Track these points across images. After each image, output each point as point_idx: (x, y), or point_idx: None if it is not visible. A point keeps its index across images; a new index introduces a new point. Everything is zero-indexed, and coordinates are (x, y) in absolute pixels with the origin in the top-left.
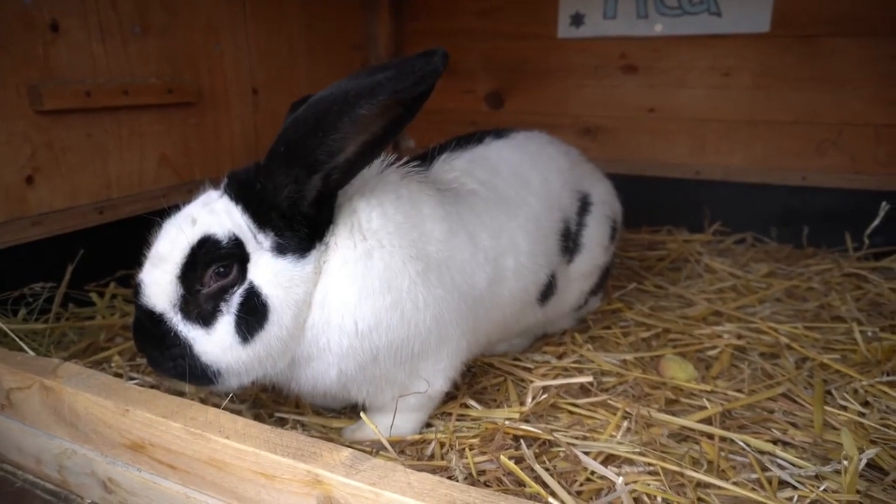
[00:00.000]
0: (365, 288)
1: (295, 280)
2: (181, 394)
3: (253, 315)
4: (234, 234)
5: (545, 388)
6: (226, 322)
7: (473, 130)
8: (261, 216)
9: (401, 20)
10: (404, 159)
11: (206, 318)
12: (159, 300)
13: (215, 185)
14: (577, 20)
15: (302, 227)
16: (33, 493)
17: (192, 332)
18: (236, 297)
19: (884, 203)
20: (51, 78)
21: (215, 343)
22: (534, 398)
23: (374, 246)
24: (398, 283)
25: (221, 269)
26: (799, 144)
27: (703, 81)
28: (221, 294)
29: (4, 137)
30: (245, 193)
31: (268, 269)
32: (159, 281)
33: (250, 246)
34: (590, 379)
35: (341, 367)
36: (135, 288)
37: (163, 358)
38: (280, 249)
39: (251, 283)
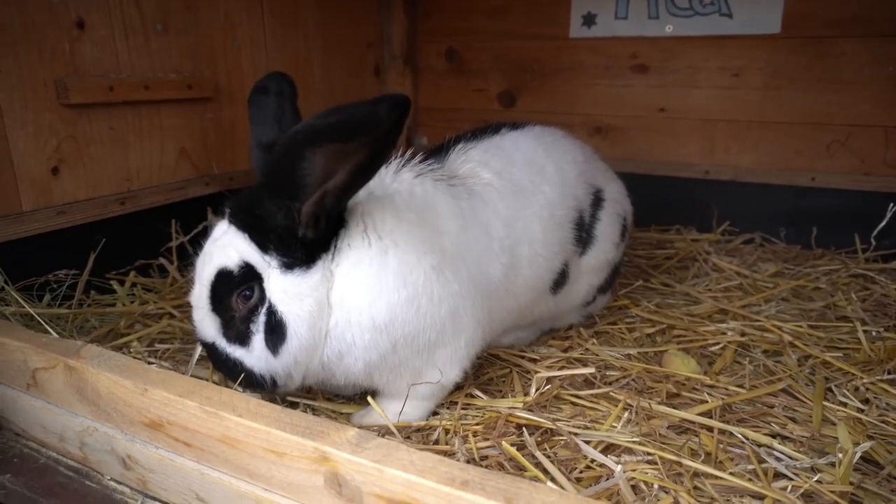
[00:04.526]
0: (378, 284)
1: (304, 292)
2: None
3: (274, 332)
4: (245, 262)
5: (549, 379)
6: (258, 339)
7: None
8: (263, 241)
9: (415, 19)
10: (419, 156)
11: (242, 338)
12: (208, 332)
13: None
14: (589, 20)
15: (301, 248)
16: (56, 469)
17: (237, 352)
18: (262, 317)
19: (892, 205)
20: (76, 73)
21: (256, 358)
22: (537, 388)
23: (389, 245)
24: (413, 278)
25: (246, 293)
26: (808, 145)
27: (713, 82)
28: (251, 315)
29: (32, 130)
30: (248, 221)
31: (278, 287)
32: (201, 318)
33: (261, 267)
34: (592, 370)
35: (366, 358)
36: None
37: (230, 374)
38: (287, 266)
39: (269, 301)
